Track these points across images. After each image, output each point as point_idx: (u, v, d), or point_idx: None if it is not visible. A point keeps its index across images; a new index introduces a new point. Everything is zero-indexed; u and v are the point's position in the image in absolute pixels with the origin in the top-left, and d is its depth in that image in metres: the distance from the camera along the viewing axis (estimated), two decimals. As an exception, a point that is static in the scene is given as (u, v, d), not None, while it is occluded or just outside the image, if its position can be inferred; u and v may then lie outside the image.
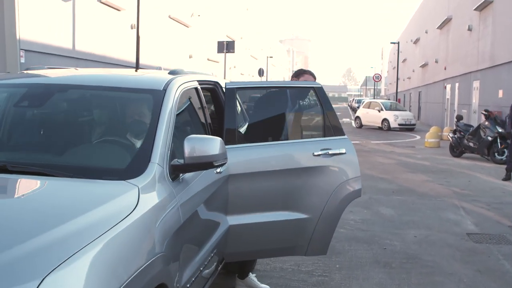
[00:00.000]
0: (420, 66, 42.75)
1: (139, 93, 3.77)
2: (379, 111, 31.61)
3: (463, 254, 6.61)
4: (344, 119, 44.80)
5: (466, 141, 16.87)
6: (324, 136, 4.68)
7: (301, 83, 5.44)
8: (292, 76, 5.97)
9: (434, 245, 6.98)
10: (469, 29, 24.09)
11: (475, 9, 22.49)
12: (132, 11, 24.26)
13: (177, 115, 3.73)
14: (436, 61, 34.39)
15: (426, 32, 39.96)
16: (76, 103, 3.83)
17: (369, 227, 7.78)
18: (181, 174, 3.40)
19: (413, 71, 48.84)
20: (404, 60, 56.69)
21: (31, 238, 2.19)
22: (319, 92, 4.70)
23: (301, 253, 4.73)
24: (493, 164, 15.53)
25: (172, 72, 4.22)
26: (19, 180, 2.95)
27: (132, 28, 25.51)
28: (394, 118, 30.65)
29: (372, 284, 5.51)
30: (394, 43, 50.53)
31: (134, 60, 22.91)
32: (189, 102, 4.22)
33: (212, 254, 3.91)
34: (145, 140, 3.35)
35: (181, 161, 3.32)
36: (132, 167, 3.14)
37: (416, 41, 46.70)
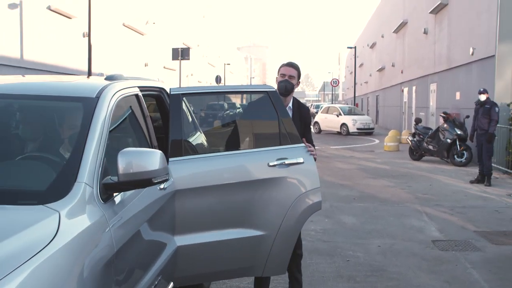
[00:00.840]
0: (377, 70, 42.92)
1: (68, 102, 3.31)
2: (337, 115, 31.49)
3: (430, 264, 6.30)
4: (303, 125, 44.56)
5: (425, 144, 16.75)
6: (280, 145, 4.28)
7: (253, 86, 5.13)
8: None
9: (399, 254, 6.66)
10: (425, 32, 24.14)
11: (430, 12, 22.52)
12: (84, 18, 23.54)
13: (113, 126, 3.29)
14: (393, 65, 34.52)
15: (382, 37, 40.14)
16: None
17: (331, 237, 7.42)
18: (115, 194, 2.96)
19: (370, 75, 49.05)
20: (361, 65, 57.00)
21: None
22: (273, 96, 4.29)
23: (258, 273, 4.32)
24: (453, 167, 15.43)
25: (109, 78, 3.78)
26: None
27: (84, 36, 24.77)
28: (352, 122, 30.57)
29: (336, 301, 5.14)
30: (350, 47, 50.73)
31: (87, 69, 22.21)
32: (128, 111, 3.77)
33: (157, 282, 3.46)
34: (72, 156, 2.90)
35: (115, 178, 2.89)
36: (53, 188, 2.69)
37: (372, 46, 46.94)
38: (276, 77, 4.89)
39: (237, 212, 4.06)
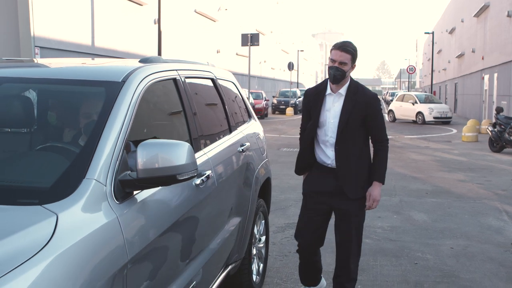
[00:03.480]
0: (456, 57, 41.22)
1: (90, 86, 2.94)
2: (413, 104, 30.31)
3: (509, 271, 5.63)
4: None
5: (507, 135, 15.67)
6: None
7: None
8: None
9: (474, 258, 6.01)
10: (509, 15, 22.71)
11: (514, -6, 21.19)
12: (155, 5, 23.56)
13: (142, 114, 2.90)
14: (473, 51, 32.92)
15: (462, 21, 38.43)
16: (6, 101, 3.01)
17: (399, 236, 6.85)
18: (135, 192, 2.58)
19: (449, 62, 47.26)
20: (439, 51, 54.98)
21: None
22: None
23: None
24: (537, 160, 14.36)
25: (143, 60, 3.38)
26: None
27: (155, 23, 24.83)
28: (429, 111, 29.34)
29: (399, 311, 4.61)
30: (428, 33, 48.92)
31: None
32: (162, 98, 3.39)
33: (192, 286, 3.06)
34: (84, 148, 2.53)
35: (134, 174, 2.50)
36: (58, 186, 2.32)
37: (451, 31, 45.14)
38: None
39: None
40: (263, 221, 5.17)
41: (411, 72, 47.38)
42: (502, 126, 16.09)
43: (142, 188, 2.58)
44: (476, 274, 5.51)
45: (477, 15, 31.05)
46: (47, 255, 1.92)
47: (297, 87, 53.40)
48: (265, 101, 33.98)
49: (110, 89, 2.83)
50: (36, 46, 16.39)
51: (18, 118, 2.94)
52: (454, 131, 24.67)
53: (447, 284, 5.23)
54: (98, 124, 2.62)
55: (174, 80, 3.49)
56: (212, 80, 4.44)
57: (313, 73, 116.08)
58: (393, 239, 6.73)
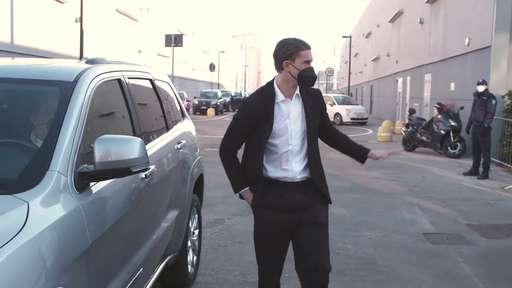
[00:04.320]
0: (372, 60, 42.78)
1: (44, 86, 3.14)
2: (331, 105, 31.33)
3: (421, 258, 6.18)
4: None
5: (419, 135, 16.65)
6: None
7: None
8: None
9: (390, 247, 6.54)
10: (421, 22, 23.96)
11: (426, 2, 22.34)
12: (76, 3, 23.25)
13: (93, 112, 3.13)
14: (388, 55, 34.36)
15: (378, 26, 39.97)
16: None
17: (322, 229, 7.30)
18: (92, 184, 2.81)
19: (365, 65, 48.93)
20: (356, 54, 56.83)
21: None
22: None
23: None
24: (446, 158, 15.34)
25: (90, 61, 3.60)
26: None
27: (76, 21, 24.51)
28: (346, 112, 30.45)
29: (324, 295, 5.00)
30: (346, 37, 50.50)
31: (78, 55, 21.95)
32: (109, 96, 3.62)
33: (137, 275, 3.32)
34: (45, 143, 2.74)
35: (92, 167, 2.73)
36: (24, 177, 2.53)
37: (368, 35, 46.76)
38: (287, 63, 3.46)
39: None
40: (197, 215, 5.45)
41: (329, 74, 48.72)
42: (415, 127, 17.05)
43: (99, 179, 2.82)
44: (392, 261, 6.01)
45: (392, 20, 32.43)
46: (23, 238, 2.13)
47: (218, 88, 53.73)
48: (187, 102, 34.14)
49: (63, 88, 3.04)
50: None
51: None
52: (370, 131, 25.74)
53: (366, 270, 5.70)
54: (56, 121, 2.83)
55: (119, 80, 3.72)
56: (151, 80, 4.68)
57: (233, 74, 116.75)
58: (316, 231, 7.16)
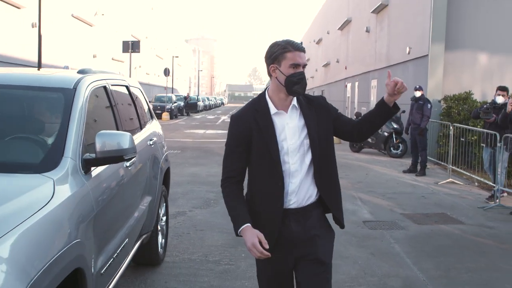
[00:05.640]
0: (323, 66, 44.11)
1: (50, 92, 3.93)
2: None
3: (359, 240, 7.15)
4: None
5: (364, 137, 17.75)
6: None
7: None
8: None
9: (333, 232, 7.48)
10: (367, 31, 25.26)
11: (372, 12, 23.63)
12: (32, 9, 23.61)
13: (88, 112, 3.93)
14: (338, 61, 35.69)
15: (328, 33, 41.30)
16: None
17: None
18: (93, 168, 3.62)
19: (316, 70, 50.23)
20: (308, 60, 58.08)
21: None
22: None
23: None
24: (389, 158, 16.50)
25: (81, 71, 4.40)
26: None
27: (33, 26, 24.84)
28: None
29: (275, 269, 5.90)
30: (297, 43, 51.69)
31: (36, 60, 22.33)
32: (99, 100, 4.42)
33: (125, 243, 4.14)
34: (58, 136, 3.54)
35: (93, 155, 3.54)
36: (46, 162, 3.32)
37: (319, 41, 48.10)
38: (274, 67, 3.02)
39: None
40: (164, 204, 6.28)
41: (282, 79, 49.71)
42: (361, 129, 18.17)
43: (99, 165, 3.63)
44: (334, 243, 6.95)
45: (341, 28, 33.74)
46: (53, 203, 2.93)
47: (172, 93, 54.29)
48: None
49: (66, 94, 3.84)
50: None
51: None
52: (321, 134, 26.84)
53: (312, 250, 6.63)
54: (64, 119, 3.63)
55: (105, 87, 4.53)
56: (127, 87, 5.49)
57: (186, 79, 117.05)
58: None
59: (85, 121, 3.74)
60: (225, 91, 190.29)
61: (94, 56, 37.24)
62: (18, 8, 24.51)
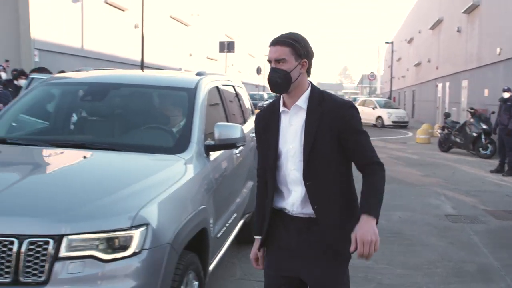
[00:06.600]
0: (414, 65, 43.80)
1: (177, 91, 4.83)
2: (373, 108, 32.73)
3: (440, 231, 7.68)
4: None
5: (453, 137, 17.94)
6: None
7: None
8: None
9: (416, 223, 8.05)
10: (458, 31, 25.17)
11: (463, 12, 23.57)
12: (135, 11, 25.27)
13: (207, 107, 4.79)
14: (429, 61, 35.46)
15: (420, 32, 41.01)
16: (128, 98, 4.89)
17: (360, 209, 8.84)
18: (211, 152, 4.47)
19: (408, 70, 49.83)
20: (399, 59, 57.70)
21: (125, 187, 3.27)
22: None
23: None
24: (478, 158, 16.62)
25: (198, 74, 5.28)
26: (98, 153, 4.01)
27: (136, 28, 26.52)
28: (388, 115, 31.77)
29: (360, 251, 6.58)
30: (388, 43, 51.54)
31: (138, 59, 23.92)
32: (213, 97, 5.29)
33: (233, 216, 4.99)
34: (185, 126, 4.41)
35: (212, 142, 4.38)
36: (178, 145, 4.20)
37: (410, 41, 47.73)
38: None
39: None
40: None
41: (372, 79, 49.93)
42: (449, 129, 18.36)
43: (216, 150, 4.47)
44: (416, 232, 7.54)
45: (432, 28, 33.55)
46: (186, 177, 3.78)
47: (264, 91, 55.48)
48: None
49: (189, 93, 4.71)
50: (35, 48, 17.97)
51: (134, 108, 4.81)
52: (410, 134, 27.02)
53: (395, 237, 7.25)
54: (190, 112, 4.49)
55: (217, 87, 5.39)
56: (233, 86, 6.35)
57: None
58: (355, 211, 8.71)
59: (204, 114, 4.59)
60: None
61: (190, 55, 38.91)
62: (122, 10, 26.25)
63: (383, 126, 31.57)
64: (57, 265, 2.85)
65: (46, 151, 4.15)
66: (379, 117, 32.17)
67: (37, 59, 17.83)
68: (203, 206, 3.83)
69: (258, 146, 3.00)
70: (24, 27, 17.71)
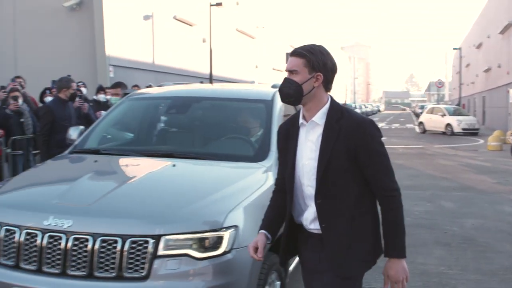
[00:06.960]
0: (483, 71, 42.85)
1: (255, 103, 5.11)
2: (442, 116, 32.19)
3: (514, 238, 7.64)
4: (407, 125, 45.42)
5: (526, 144, 17.53)
6: None
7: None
8: None
9: (489, 230, 8.02)
10: (531, 35, 24.55)
11: (536, 15, 23.02)
12: (202, 26, 25.95)
13: (281, 117, 5.04)
14: (499, 66, 34.64)
15: (489, 37, 40.13)
16: (209, 110, 5.22)
17: (432, 216, 8.87)
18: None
19: (477, 76, 48.79)
20: (468, 65, 56.54)
21: (214, 192, 3.56)
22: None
23: None
24: (554, 165, 16.20)
25: (273, 86, 5.54)
26: (185, 161, 4.33)
27: (203, 42, 27.22)
28: (457, 123, 31.18)
29: (433, 257, 6.65)
30: (456, 49, 50.60)
31: (206, 72, 24.55)
32: (287, 107, 5.54)
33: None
34: (264, 135, 4.68)
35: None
36: (258, 154, 4.47)
37: (479, 46, 46.76)
38: None
39: None
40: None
41: (440, 86, 49.07)
42: (523, 136, 17.96)
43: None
44: (489, 239, 7.52)
45: (502, 32, 32.80)
46: (268, 184, 4.03)
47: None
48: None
49: (267, 104, 4.97)
50: (110, 65, 18.80)
51: (215, 120, 5.12)
52: (481, 141, 26.44)
53: (468, 244, 7.26)
54: (267, 122, 4.76)
55: (291, 97, 5.64)
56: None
57: (342, 86, 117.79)
58: (427, 218, 8.75)
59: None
60: (381, 98, 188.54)
61: (256, 67, 39.48)
62: (191, 25, 27.00)
63: (453, 133, 30.99)
64: (157, 262, 3.16)
65: (137, 160, 4.51)
66: (448, 125, 31.59)
67: (112, 75, 18.66)
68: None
69: (279, 157, 3.00)
70: (99, 45, 18.59)
